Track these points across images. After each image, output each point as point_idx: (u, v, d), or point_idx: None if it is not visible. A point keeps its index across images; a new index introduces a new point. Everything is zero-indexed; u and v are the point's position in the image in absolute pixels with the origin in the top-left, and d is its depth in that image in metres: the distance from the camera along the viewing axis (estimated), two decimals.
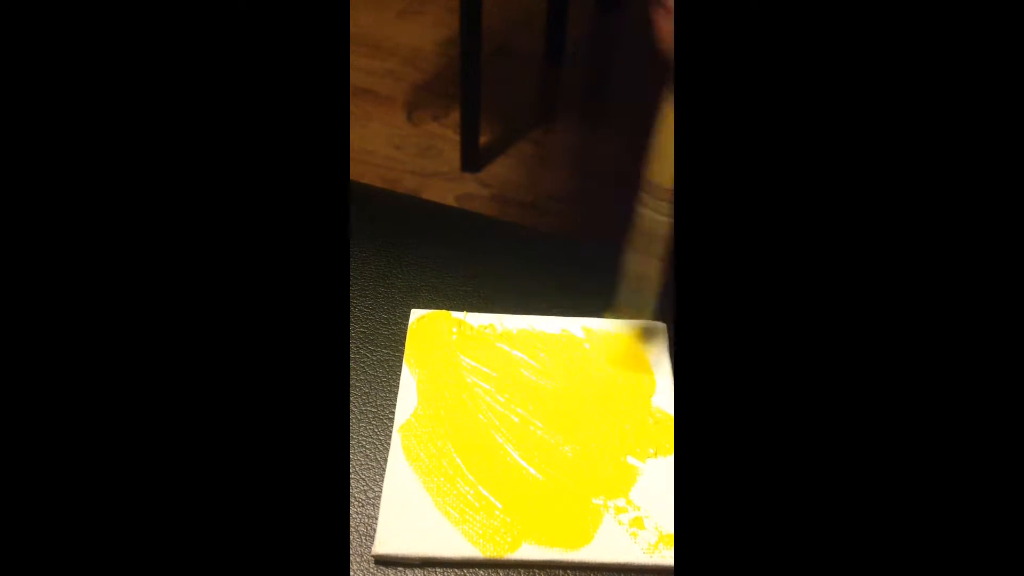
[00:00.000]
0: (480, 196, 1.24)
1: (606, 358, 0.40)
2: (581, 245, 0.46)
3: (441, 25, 1.47)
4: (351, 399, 0.37)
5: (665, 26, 0.31)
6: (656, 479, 0.35)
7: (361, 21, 1.47)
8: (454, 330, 0.40)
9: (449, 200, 1.23)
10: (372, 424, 0.36)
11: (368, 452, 0.36)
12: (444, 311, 0.41)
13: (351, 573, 0.32)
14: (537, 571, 0.32)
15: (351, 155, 1.15)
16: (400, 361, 0.39)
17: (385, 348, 0.40)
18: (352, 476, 0.35)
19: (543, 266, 0.44)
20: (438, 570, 0.32)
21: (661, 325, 0.41)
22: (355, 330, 0.41)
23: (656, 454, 0.35)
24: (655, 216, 0.35)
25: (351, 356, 0.39)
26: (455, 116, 1.26)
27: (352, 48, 1.40)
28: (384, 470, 0.35)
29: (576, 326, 0.41)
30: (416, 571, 0.32)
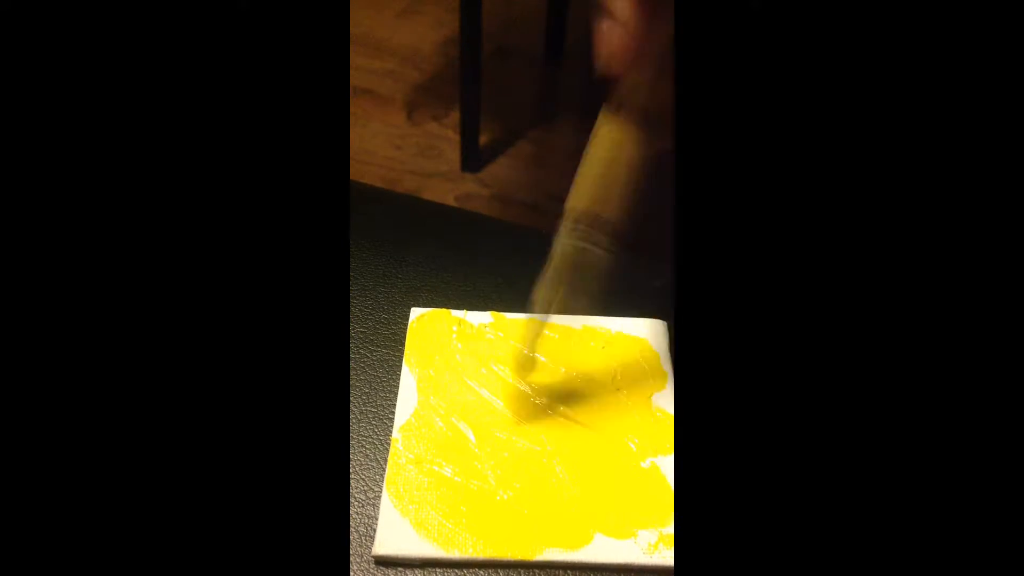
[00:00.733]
0: (480, 196, 1.24)
1: (608, 356, 0.39)
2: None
3: (441, 25, 1.47)
4: (351, 399, 0.37)
5: (608, 37, 0.28)
6: (656, 478, 0.35)
7: (361, 21, 1.47)
8: (454, 329, 0.40)
9: (449, 200, 1.23)
10: (372, 424, 0.36)
11: (368, 452, 0.35)
12: (444, 310, 0.41)
13: (351, 573, 0.32)
14: (537, 571, 0.32)
15: (351, 155, 1.15)
16: (400, 361, 0.39)
17: (385, 348, 0.40)
18: (352, 476, 0.34)
19: (543, 265, 0.44)
20: (438, 570, 0.32)
21: (661, 323, 0.41)
22: (355, 330, 0.41)
23: (657, 453, 0.35)
24: (591, 248, 0.32)
25: (351, 356, 0.39)
26: (455, 116, 1.27)
27: (352, 48, 1.40)
28: (384, 470, 0.35)
29: (577, 323, 0.41)
30: (416, 571, 0.32)
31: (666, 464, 0.35)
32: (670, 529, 0.33)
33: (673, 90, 0.28)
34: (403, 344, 0.40)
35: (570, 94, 1.42)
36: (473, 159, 1.28)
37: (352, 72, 1.35)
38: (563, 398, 0.38)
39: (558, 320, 0.41)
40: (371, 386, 0.38)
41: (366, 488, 0.34)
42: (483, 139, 1.29)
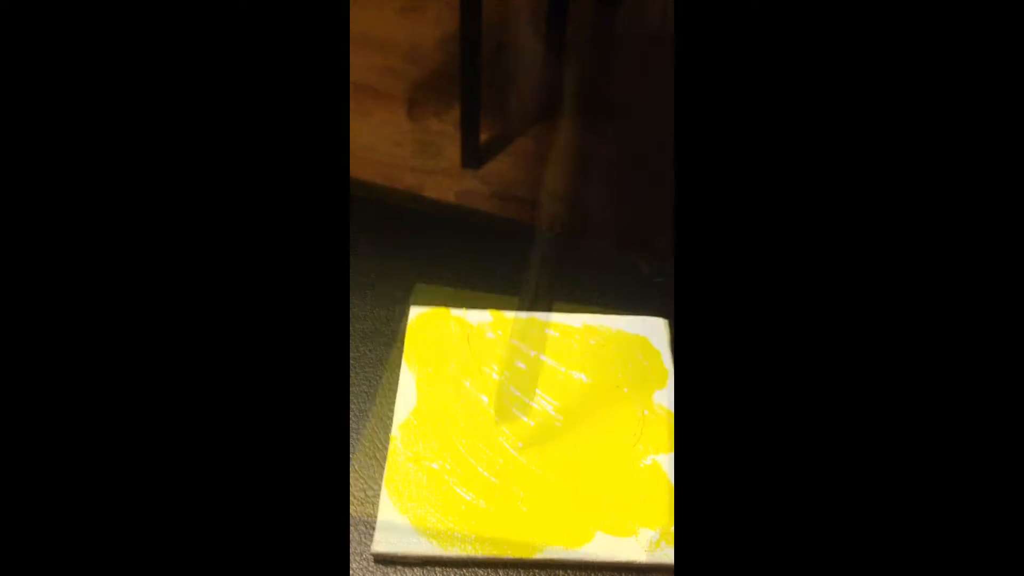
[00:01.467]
0: (480, 193, 1.24)
1: (609, 353, 0.39)
2: (581, 242, 0.46)
3: (442, 21, 1.47)
4: (351, 398, 0.37)
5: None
6: (657, 476, 0.35)
7: (362, 18, 1.46)
8: (453, 327, 0.40)
9: (449, 197, 1.23)
10: (372, 423, 0.36)
11: (368, 451, 0.35)
12: (444, 308, 0.41)
13: (351, 571, 0.32)
14: (537, 570, 0.32)
15: (351, 151, 1.15)
16: (400, 359, 0.39)
17: (385, 347, 0.40)
18: (352, 476, 0.34)
19: (544, 263, 0.44)
20: (438, 569, 0.32)
21: (662, 320, 0.41)
22: (354, 328, 0.41)
23: (658, 451, 0.35)
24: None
25: (351, 355, 0.39)
26: (455, 113, 1.26)
27: (352, 45, 1.40)
28: (383, 468, 0.35)
29: (578, 321, 0.41)
30: (416, 571, 0.32)
31: (667, 462, 0.35)
32: (671, 527, 0.33)
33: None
34: (402, 343, 0.40)
35: (572, 91, 1.41)
36: (474, 156, 1.28)
37: (352, 69, 1.35)
38: (564, 396, 0.37)
39: (559, 319, 0.41)
40: (370, 384, 0.38)
41: (366, 487, 0.34)
42: (483, 136, 1.29)
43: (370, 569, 0.32)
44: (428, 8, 1.51)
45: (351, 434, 0.36)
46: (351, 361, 0.39)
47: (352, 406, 0.37)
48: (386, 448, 0.35)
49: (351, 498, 0.34)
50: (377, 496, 0.34)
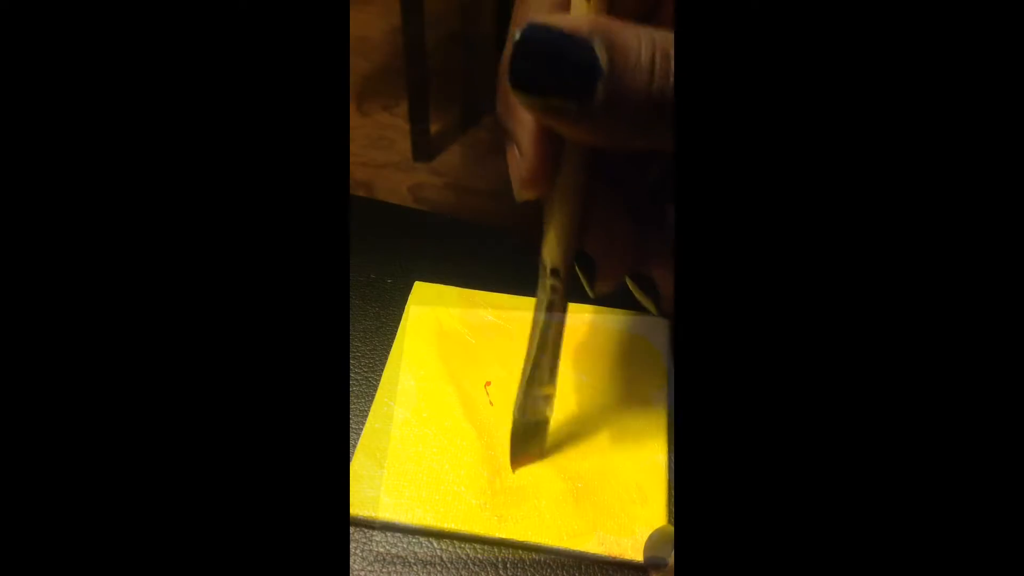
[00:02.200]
0: (433, 185, 1.23)
1: (608, 353, 0.40)
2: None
3: (389, 13, 1.45)
4: (351, 398, 0.37)
5: (514, 165, 0.28)
6: (657, 476, 0.35)
7: None
8: (454, 326, 0.40)
9: (402, 191, 1.22)
10: (372, 423, 0.36)
11: (368, 451, 0.35)
12: (444, 307, 0.41)
13: (351, 572, 0.32)
14: (538, 569, 0.32)
15: None
16: (400, 359, 0.39)
17: (384, 346, 0.40)
18: (352, 476, 0.34)
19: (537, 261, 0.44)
20: (438, 569, 0.32)
21: (662, 320, 0.41)
22: (355, 328, 0.40)
23: (657, 451, 0.36)
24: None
25: (351, 355, 0.39)
26: (406, 105, 1.26)
27: None
28: (384, 469, 0.34)
29: (577, 320, 0.41)
30: (417, 570, 0.32)
31: (667, 462, 0.35)
32: (670, 527, 0.33)
33: (579, 209, 0.29)
34: (402, 342, 0.39)
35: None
36: (424, 148, 1.28)
37: None
38: (563, 393, 0.38)
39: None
40: (370, 384, 0.38)
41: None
42: (435, 127, 1.28)
43: (370, 569, 0.32)
44: (376, 0, 1.49)
45: (351, 434, 0.36)
46: (351, 361, 0.39)
47: (352, 406, 0.37)
48: (386, 448, 0.35)
49: (351, 498, 0.33)
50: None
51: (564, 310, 0.31)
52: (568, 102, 0.23)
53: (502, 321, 0.40)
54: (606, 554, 0.32)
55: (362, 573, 0.32)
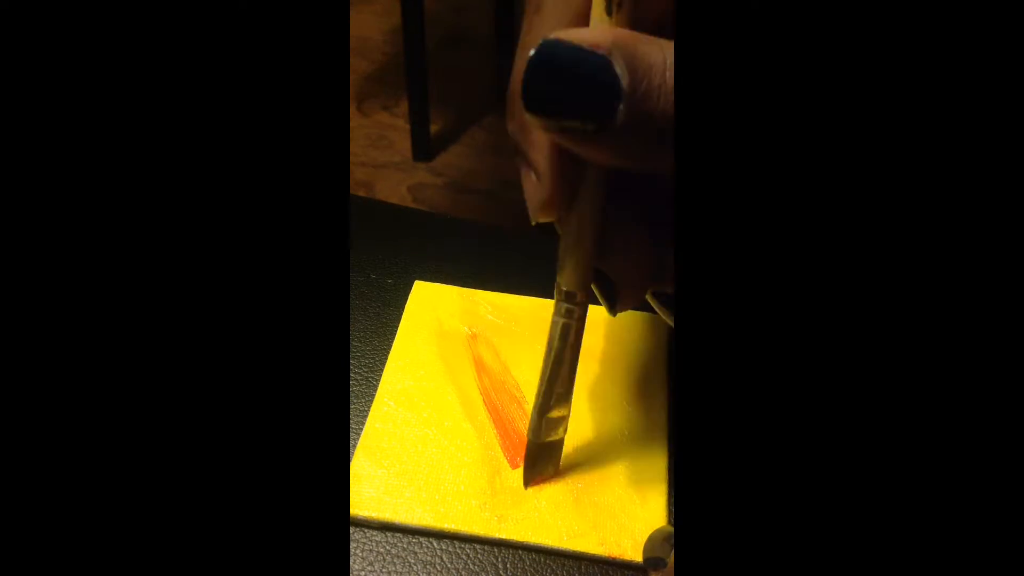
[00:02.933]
0: (433, 185, 1.23)
1: (608, 353, 0.40)
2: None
3: (389, 14, 1.45)
4: (351, 398, 0.37)
5: (530, 188, 0.27)
6: (657, 475, 0.35)
7: None
8: (454, 325, 0.40)
9: (402, 191, 1.22)
10: (372, 422, 0.36)
11: (368, 451, 0.35)
12: (444, 306, 0.41)
13: (351, 572, 0.32)
14: (538, 568, 0.32)
15: None
16: (400, 358, 0.39)
17: (384, 345, 0.40)
18: (352, 475, 0.34)
19: (541, 264, 0.45)
20: (439, 569, 0.32)
21: (662, 319, 0.41)
22: (354, 327, 0.40)
23: (657, 451, 0.36)
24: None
25: (351, 354, 0.39)
26: (406, 105, 1.26)
27: None
28: (384, 469, 0.34)
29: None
30: (417, 570, 0.32)
31: (666, 462, 0.35)
32: (670, 527, 0.33)
33: (597, 230, 0.28)
34: (403, 341, 0.39)
35: None
36: (424, 148, 1.28)
37: None
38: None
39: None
40: (369, 383, 0.38)
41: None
42: (435, 127, 1.29)
43: (370, 569, 0.32)
44: (376, 0, 1.49)
45: (351, 434, 0.36)
46: (351, 361, 0.39)
47: (352, 406, 0.37)
48: (386, 448, 0.35)
49: (351, 498, 0.33)
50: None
51: (580, 334, 0.31)
52: (587, 124, 0.22)
53: (502, 321, 0.40)
54: (606, 554, 0.32)
55: (362, 573, 0.32)
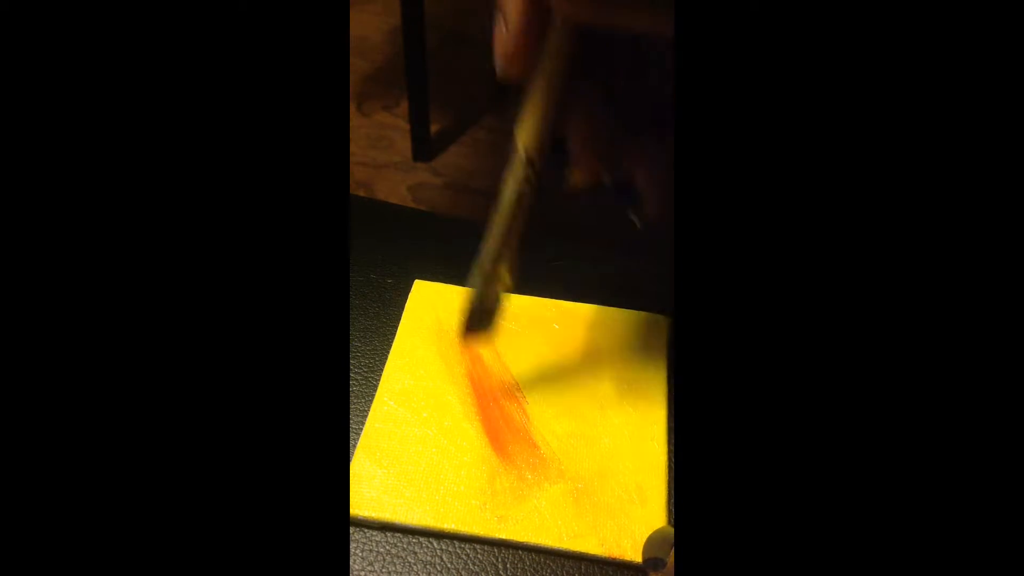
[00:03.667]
0: (433, 185, 1.23)
1: (608, 351, 0.40)
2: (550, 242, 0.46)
3: (389, 14, 1.45)
4: (351, 398, 0.37)
5: (500, 40, 0.28)
6: (656, 475, 0.35)
7: None
8: (453, 324, 0.40)
9: (402, 191, 1.22)
10: (372, 422, 0.36)
11: (369, 451, 0.35)
12: (443, 306, 0.41)
13: (351, 573, 0.32)
14: (537, 567, 0.32)
15: None
16: (400, 357, 0.39)
17: (384, 345, 0.40)
18: (352, 475, 0.34)
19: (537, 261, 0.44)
20: (439, 569, 0.32)
21: (662, 318, 0.41)
22: (354, 326, 0.40)
23: (656, 450, 0.36)
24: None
25: (351, 354, 0.39)
26: (406, 105, 1.25)
27: None
28: (384, 468, 0.34)
29: (578, 318, 0.41)
30: (417, 570, 0.32)
31: (666, 462, 0.35)
32: (670, 527, 0.33)
33: (560, 94, 0.29)
34: (402, 340, 0.39)
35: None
36: (424, 148, 1.28)
37: None
38: (561, 390, 0.38)
39: (559, 315, 0.41)
40: (369, 383, 0.38)
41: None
42: (435, 128, 1.28)
43: (370, 569, 0.32)
44: (377, 0, 1.49)
45: (351, 434, 0.36)
46: (351, 361, 0.39)
47: (352, 406, 0.37)
48: (386, 448, 0.35)
49: (351, 498, 0.33)
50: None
51: (532, 199, 0.32)
52: None
53: (502, 321, 0.40)
54: (606, 554, 0.32)
55: (362, 573, 0.32)
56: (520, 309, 0.41)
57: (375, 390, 0.37)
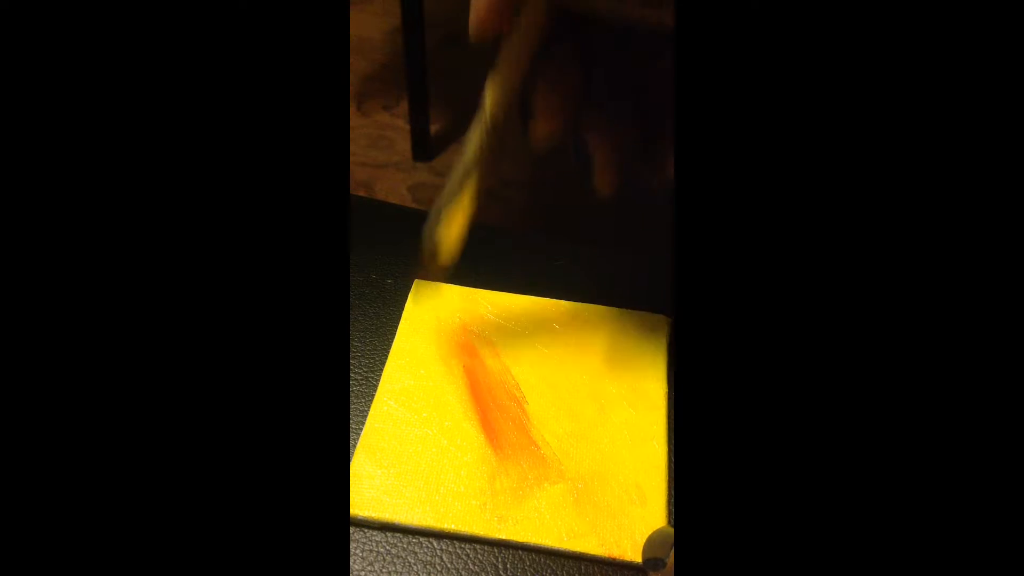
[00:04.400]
0: (433, 185, 1.23)
1: (608, 351, 0.40)
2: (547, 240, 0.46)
3: (389, 14, 1.45)
4: (351, 398, 0.37)
5: (476, 2, 0.29)
6: (656, 475, 0.35)
7: None
8: (453, 324, 0.40)
9: (402, 191, 1.22)
10: (372, 422, 0.36)
11: (368, 451, 0.35)
12: (443, 305, 0.41)
13: (351, 573, 0.32)
14: (537, 567, 0.32)
15: None
16: (400, 357, 0.39)
17: (384, 344, 0.40)
18: (352, 475, 0.34)
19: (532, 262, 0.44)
20: (439, 569, 0.32)
21: (662, 318, 0.41)
22: (354, 327, 0.40)
23: (656, 449, 0.36)
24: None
25: (351, 354, 0.39)
26: (406, 105, 1.25)
27: None
28: (384, 468, 0.34)
29: (578, 317, 0.41)
30: (418, 570, 0.32)
31: (666, 462, 0.35)
32: (670, 527, 0.33)
33: (532, 55, 0.30)
34: (402, 340, 0.39)
35: None
36: (424, 148, 1.27)
37: None
38: (559, 391, 0.38)
39: (559, 315, 0.41)
40: (369, 383, 0.38)
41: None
42: (435, 128, 1.28)
43: (370, 569, 0.32)
44: (376, 0, 1.49)
45: (351, 434, 0.36)
46: (351, 361, 0.39)
47: (352, 406, 0.37)
48: (386, 448, 0.35)
49: (351, 498, 0.33)
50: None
51: (493, 153, 0.33)
52: None
53: (502, 320, 0.40)
54: (606, 554, 0.32)
55: (362, 573, 0.32)
56: (520, 309, 0.41)
57: (375, 390, 0.37)
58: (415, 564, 0.32)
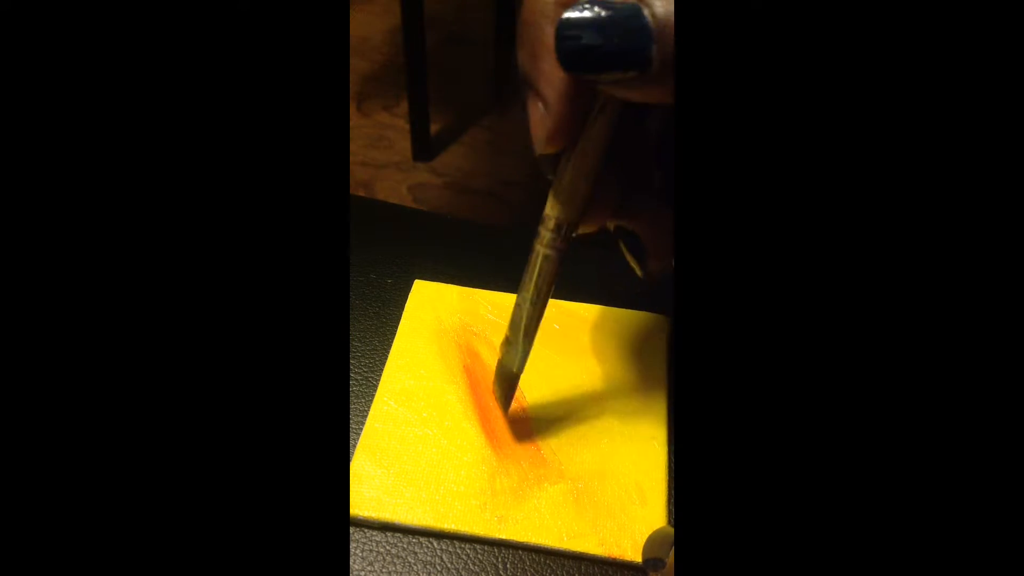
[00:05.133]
0: (433, 185, 1.23)
1: (607, 351, 0.40)
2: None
3: (389, 14, 1.45)
4: (351, 398, 0.37)
5: (537, 120, 0.27)
6: (656, 474, 0.35)
7: None
8: (453, 324, 0.40)
9: (402, 191, 1.22)
10: (372, 422, 0.36)
11: (368, 451, 0.35)
12: (443, 305, 0.41)
13: (351, 573, 0.32)
14: (537, 567, 0.32)
15: None
16: (400, 357, 0.39)
17: (384, 344, 0.40)
18: (352, 475, 0.34)
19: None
20: (438, 569, 0.32)
21: (662, 318, 0.41)
22: (354, 327, 0.40)
23: (656, 449, 0.36)
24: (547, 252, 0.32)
25: (351, 354, 0.39)
26: (406, 105, 1.26)
27: None
28: (384, 468, 0.34)
29: (578, 317, 0.41)
30: (417, 570, 0.32)
31: (666, 462, 0.35)
32: (670, 527, 0.33)
33: (594, 178, 0.29)
34: (402, 340, 0.39)
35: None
36: (424, 148, 1.28)
37: None
38: (558, 391, 0.38)
39: (559, 314, 0.41)
40: (369, 383, 0.38)
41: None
42: (435, 127, 1.29)
43: (370, 569, 0.32)
44: (377, 0, 1.49)
45: (351, 434, 0.36)
46: (351, 361, 0.39)
47: (352, 406, 0.37)
48: (386, 448, 0.35)
49: (351, 498, 0.33)
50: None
51: (557, 268, 0.32)
52: (628, 72, 0.23)
53: (502, 320, 0.40)
54: (606, 554, 0.32)
55: (362, 573, 0.32)
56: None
57: (375, 390, 0.37)
58: (415, 564, 0.32)
